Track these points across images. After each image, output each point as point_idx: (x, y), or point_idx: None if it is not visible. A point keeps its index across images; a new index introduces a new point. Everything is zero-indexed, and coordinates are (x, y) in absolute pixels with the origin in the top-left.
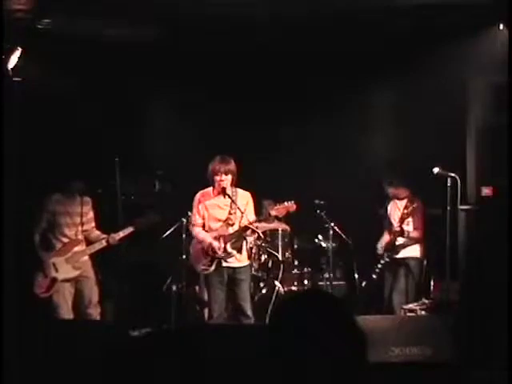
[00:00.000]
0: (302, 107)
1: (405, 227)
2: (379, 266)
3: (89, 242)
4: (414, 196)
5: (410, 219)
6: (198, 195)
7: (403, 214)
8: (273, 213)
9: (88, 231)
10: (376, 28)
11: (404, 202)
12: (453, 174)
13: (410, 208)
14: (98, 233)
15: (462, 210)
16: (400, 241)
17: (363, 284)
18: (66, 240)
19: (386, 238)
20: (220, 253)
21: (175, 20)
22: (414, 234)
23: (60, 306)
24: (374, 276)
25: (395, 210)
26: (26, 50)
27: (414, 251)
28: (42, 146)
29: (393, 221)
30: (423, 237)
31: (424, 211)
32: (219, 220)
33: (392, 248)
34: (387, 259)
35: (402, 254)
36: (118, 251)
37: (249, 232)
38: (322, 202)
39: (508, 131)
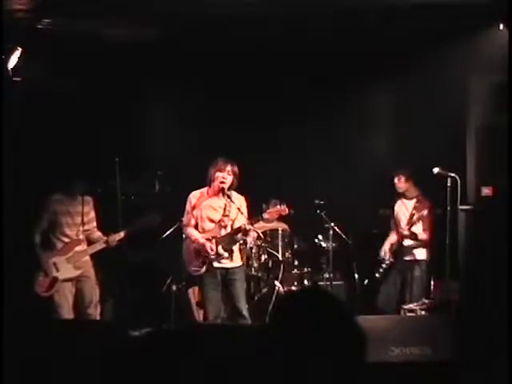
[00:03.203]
0: (302, 107)
1: (414, 229)
2: (383, 265)
3: (90, 241)
4: (424, 196)
5: (419, 221)
6: (191, 196)
7: (412, 214)
8: (265, 216)
9: (89, 231)
10: (376, 28)
11: (413, 201)
12: (453, 174)
13: (420, 209)
14: (99, 233)
15: (461, 210)
16: (408, 242)
17: (364, 284)
18: (66, 240)
19: (392, 238)
20: (211, 255)
21: (175, 20)
22: (423, 237)
23: (61, 306)
24: (378, 275)
25: (403, 210)
26: (25, 49)
27: (421, 253)
28: (42, 146)
29: (400, 221)
30: (431, 239)
31: (433, 212)
32: (212, 221)
33: (399, 249)
34: (392, 259)
35: (410, 255)
36: (118, 251)
37: (240, 235)
38: (321, 202)
39: (508, 131)
